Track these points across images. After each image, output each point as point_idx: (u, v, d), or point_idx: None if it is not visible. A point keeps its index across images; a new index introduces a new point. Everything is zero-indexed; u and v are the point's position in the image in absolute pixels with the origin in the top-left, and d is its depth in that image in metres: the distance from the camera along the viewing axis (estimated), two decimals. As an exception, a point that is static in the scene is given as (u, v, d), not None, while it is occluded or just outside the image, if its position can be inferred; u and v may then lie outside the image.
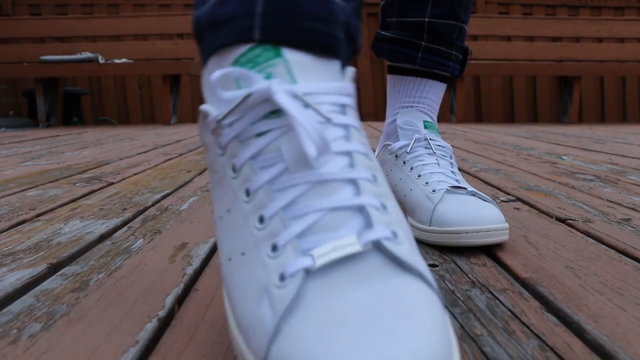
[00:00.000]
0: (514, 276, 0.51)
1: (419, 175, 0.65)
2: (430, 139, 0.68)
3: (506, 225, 0.59)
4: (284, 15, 0.32)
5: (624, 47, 3.92)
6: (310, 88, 0.31)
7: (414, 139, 0.68)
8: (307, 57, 0.32)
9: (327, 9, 0.32)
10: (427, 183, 0.64)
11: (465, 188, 0.63)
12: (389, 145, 0.72)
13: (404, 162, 0.68)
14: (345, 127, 0.32)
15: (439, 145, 0.68)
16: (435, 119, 0.73)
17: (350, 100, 0.33)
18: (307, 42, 0.32)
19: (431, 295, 0.27)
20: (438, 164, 0.65)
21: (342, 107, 0.32)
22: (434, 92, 0.72)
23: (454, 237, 0.58)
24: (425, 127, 0.70)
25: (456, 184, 0.63)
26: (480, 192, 0.62)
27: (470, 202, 0.59)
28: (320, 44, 0.32)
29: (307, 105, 0.30)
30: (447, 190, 0.62)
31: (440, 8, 0.69)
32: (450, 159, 0.68)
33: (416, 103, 0.72)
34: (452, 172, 0.65)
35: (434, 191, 0.62)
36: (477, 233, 0.57)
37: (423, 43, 0.70)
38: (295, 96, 0.30)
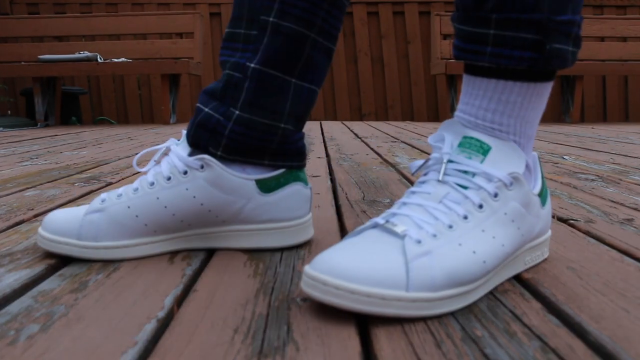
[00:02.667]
0: (516, 277, 0.51)
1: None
2: (449, 161, 0.49)
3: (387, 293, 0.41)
4: None
5: (626, 46, 3.93)
6: None
7: (426, 160, 0.52)
8: None
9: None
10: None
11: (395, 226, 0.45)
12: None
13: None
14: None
15: (459, 171, 0.49)
16: (491, 132, 0.51)
17: None
18: None
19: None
20: (429, 194, 0.48)
21: None
22: (487, 95, 0.51)
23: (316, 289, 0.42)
24: (461, 145, 0.50)
25: (392, 220, 0.46)
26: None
27: (362, 248, 0.44)
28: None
29: None
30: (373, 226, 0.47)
31: None
32: (474, 190, 0.48)
33: (461, 112, 0.52)
34: (439, 208, 0.47)
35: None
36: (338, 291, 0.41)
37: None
38: None
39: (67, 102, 4.02)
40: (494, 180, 0.48)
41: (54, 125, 3.78)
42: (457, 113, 0.53)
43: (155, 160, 0.60)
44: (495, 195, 0.48)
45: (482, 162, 0.49)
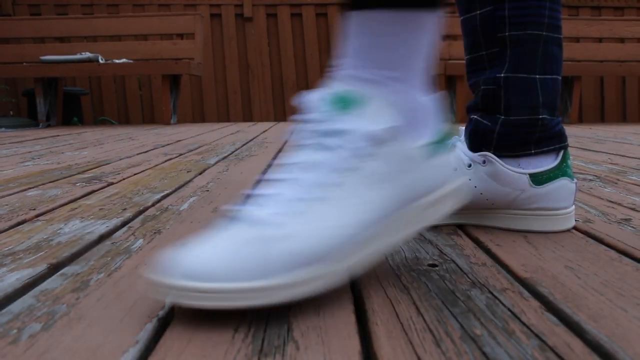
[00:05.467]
0: (514, 276, 0.51)
1: None
2: (315, 121, 0.47)
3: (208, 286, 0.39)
4: None
5: (624, 47, 3.92)
6: None
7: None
8: None
9: None
10: None
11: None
12: None
13: None
14: None
15: (322, 131, 0.46)
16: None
17: None
18: None
19: None
20: (288, 165, 0.47)
21: None
22: (362, 30, 0.48)
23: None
24: (331, 101, 0.46)
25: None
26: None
27: (214, 243, 0.42)
28: None
29: None
30: None
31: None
32: (334, 152, 0.45)
33: (341, 59, 0.50)
34: (295, 179, 0.44)
35: None
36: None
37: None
38: None
39: (68, 102, 4.02)
40: (357, 139, 0.44)
41: (55, 125, 3.78)
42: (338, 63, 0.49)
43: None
44: (360, 155, 0.44)
45: (348, 117, 0.44)
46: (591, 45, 3.92)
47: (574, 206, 0.69)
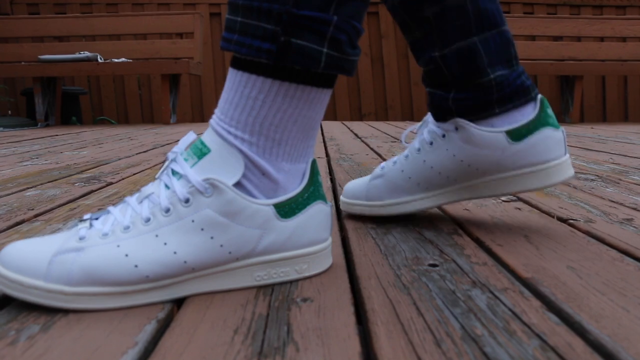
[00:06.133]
0: (515, 276, 0.51)
1: None
2: (174, 161, 0.52)
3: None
4: None
5: (625, 46, 3.92)
6: None
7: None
8: None
9: None
10: None
11: None
12: None
13: None
14: None
15: (173, 171, 0.51)
16: None
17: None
18: None
19: None
20: (141, 192, 0.52)
21: None
22: (233, 87, 0.50)
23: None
24: (192, 146, 0.52)
25: None
26: None
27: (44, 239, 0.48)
28: None
29: None
30: None
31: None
32: (169, 192, 0.49)
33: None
34: (133, 207, 0.50)
35: None
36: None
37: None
38: None
39: (67, 102, 4.02)
40: (188, 185, 0.47)
41: (54, 125, 3.78)
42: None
43: (413, 132, 0.70)
44: (187, 200, 0.46)
45: (193, 165, 0.48)
46: (593, 45, 3.92)
47: (567, 155, 0.65)
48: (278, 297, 0.46)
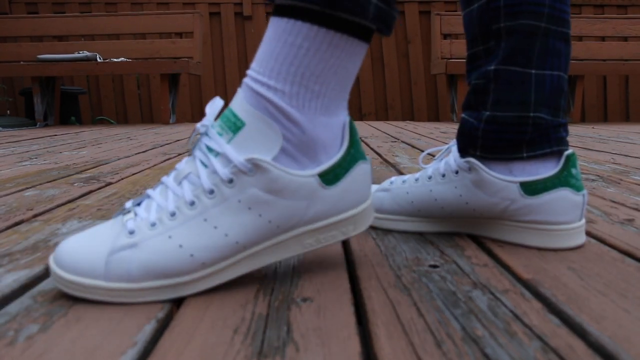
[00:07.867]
0: (516, 277, 0.51)
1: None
2: (206, 135, 0.50)
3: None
4: None
5: (627, 45, 3.92)
6: None
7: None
8: None
9: None
10: None
11: None
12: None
13: None
14: None
15: (207, 147, 0.49)
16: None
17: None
18: None
19: None
20: (177, 171, 0.51)
21: None
22: (276, 36, 0.48)
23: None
24: (222, 117, 0.50)
25: None
26: None
27: (91, 236, 0.49)
28: None
29: None
30: None
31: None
32: (209, 173, 0.48)
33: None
34: (174, 191, 0.49)
35: None
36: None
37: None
38: None
39: (66, 101, 4.02)
40: (230, 165, 0.46)
41: (53, 125, 3.78)
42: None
43: (431, 154, 0.68)
44: (230, 181, 0.46)
45: (229, 141, 0.46)
46: (594, 44, 3.92)
47: (583, 221, 0.60)
48: (278, 297, 0.46)
